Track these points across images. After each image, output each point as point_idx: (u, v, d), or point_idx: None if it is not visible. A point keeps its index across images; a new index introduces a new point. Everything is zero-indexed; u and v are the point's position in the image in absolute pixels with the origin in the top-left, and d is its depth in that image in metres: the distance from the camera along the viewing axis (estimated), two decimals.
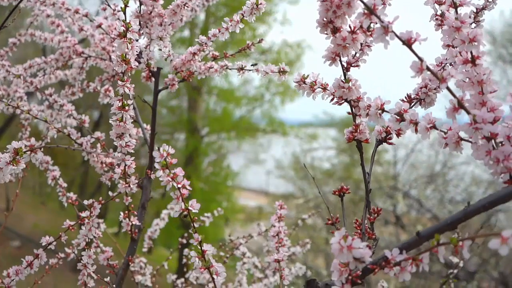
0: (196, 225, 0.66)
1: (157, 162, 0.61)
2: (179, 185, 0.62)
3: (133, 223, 0.97)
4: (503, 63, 9.28)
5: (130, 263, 1.00)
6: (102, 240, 1.15)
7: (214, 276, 0.65)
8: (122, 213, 0.97)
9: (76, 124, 1.26)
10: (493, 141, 0.53)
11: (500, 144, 0.52)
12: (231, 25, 0.91)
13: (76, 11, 1.10)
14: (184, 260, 1.38)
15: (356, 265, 0.51)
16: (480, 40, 0.53)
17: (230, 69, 0.98)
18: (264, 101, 11.69)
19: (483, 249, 6.41)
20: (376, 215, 0.64)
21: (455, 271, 1.11)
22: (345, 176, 8.71)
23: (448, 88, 0.51)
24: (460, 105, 0.52)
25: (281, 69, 0.85)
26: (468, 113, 0.52)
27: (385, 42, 0.51)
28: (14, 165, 0.68)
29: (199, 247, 0.65)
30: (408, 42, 0.51)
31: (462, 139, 0.55)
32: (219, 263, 1.35)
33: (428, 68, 0.51)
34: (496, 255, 6.39)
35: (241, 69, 0.97)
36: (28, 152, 0.67)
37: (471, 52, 0.54)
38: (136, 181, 0.91)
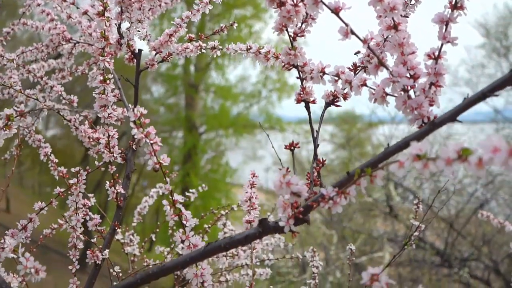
0: (168, 179, 0.76)
1: (132, 121, 0.71)
2: (152, 141, 0.72)
3: (118, 191, 1.07)
4: (497, 56, 9.37)
5: (116, 229, 1.09)
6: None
7: (184, 222, 0.75)
8: (108, 182, 1.06)
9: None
10: (412, 93, 0.63)
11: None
12: (201, 6, 1.01)
13: None
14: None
15: (294, 199, 0.61)
16: (399, 8, 0.62)
17: (204, 49, 1.07)
18: (261, 98, 11.79)
19: (475, 237, 6.53)
20: (321, 165, 0.73)
21: (416, 233, 1.20)
22: (343, 170, 8.82)
23: (369, 48, 0.61)
24: (380, 63, 0.61)
25: (248, 47, 0.94)
26: (387, 69, 0.61)
27: (316, 11, 0.60)
28: (7, 129, 0.77)
29: (170, 197, 0.75)
30: (336, 11, 0.60)
31: (387, 94, 0.64)
32: (203, 234, 1.44)
33: (352, 32, 0.60)
34: (488, 243, 6.51)
35: (213, 48, 1.06)
36: (18, 117, 0.77)
37: (393, 19, 0.63)
38: (120, 151, 1.00)
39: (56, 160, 1.20)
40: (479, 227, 6.57)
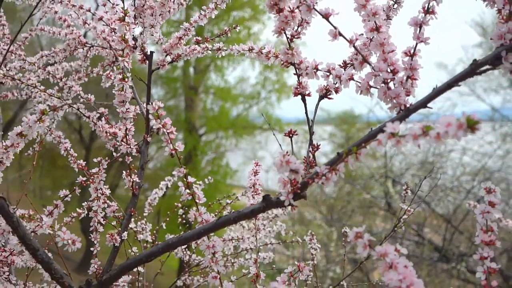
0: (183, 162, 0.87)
1: (151, 113, 0.82)
2: (168, 131, 0.83)
3: (134, 180, 1.18)
4: None
5: (132, 214, 1.20)
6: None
7: (197, 201, 0.86)
8: (124, 172, 1.17)
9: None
10: (392, 85, 0.74)
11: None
12: (208, 12, 1.12)
13: (81, 7, 1.30)
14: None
15: (293, 176, 0.72)
16: (381, 13, 0.74)
17: (210, 50, 1.18)
18: (260, 99, 11.91)
19: (473, 233, 6.63)
20: (316, 149, 0.84)
21: (405, 217, 1.31)
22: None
23: (355, 48, 0.72)
24: (364, 60, 0.73)
25: (250, 48, 1.05)
26: (370, 65, 0.72)
27: (309, 16, 0.71)
28: (40, 123, 0.88)
29: (185, 179, 0.86)
30: (326, 16, 0.71)
31: (370, 86, 0.75)
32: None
33: (340, 34, 0.71)
34: None
35: (218, 49, 1.17)
36: (51, 112, 0.87)
37: (375, 22, 0.74)
38: (136, 143, 1.12)
39: (75, 154, 1.31)
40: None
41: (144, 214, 1.62)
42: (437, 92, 0.67)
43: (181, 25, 1.19)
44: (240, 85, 12.24)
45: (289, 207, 1.30)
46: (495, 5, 0.69)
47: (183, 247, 1.55)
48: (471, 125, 0.48)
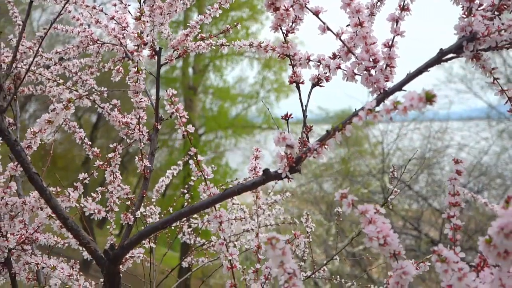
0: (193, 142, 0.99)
1: (165, 100, 0.94)
2: (181, 115, 0.95)
3: (146, 164, 1.30)
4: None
5: (144, 196, 1.32)
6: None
7: (206, 176, 0.98)
8: (136, 158, 1.29)
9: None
10: (373, 72, 0.86)
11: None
12: (212, 11, 1.24)
13: (94, 7, 1.42)
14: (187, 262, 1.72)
15: (288, 150, 0.84)
16: (363, 11, 0.85)
17: (214, 46, 1.30)
18: (259, 98, 12.03)
19: (468, 226, 6.78)
20: (309, 130, 0.96)
21: (392, 197, 1.43)
22: (341, 169, 9.06)
23: (341, 40, 0.84)
24: (349, 50, 0.85)
25: (251, 43, 1.17)
26: (354, 55, 0.84)
27: (302, 14, 0.83)
28: (67, 110, 1.00)
29: (195, 158, 0.98)
30: (316, 13, 0.83)
31: (355, 73, 0.87)
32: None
33: (328, 28, 0.83)
34: (481, 232, 6.76)
35: (222, 45, 1.29)
36: (77, 100, 0.99)
37: (358, 18, 0.86)
38: (147, 131, 1.23)
39: (89, 143, 1.43)
40: (472, 217, 6.82)
41: (152, 200, 1.74)
42: (410, 77, 0.79)
43: (180, 26, 1.31)
44: (239, 85, 12.36)
45: (287, 193, 1.44)
46: (460, 2, 0.81)
47: (189, 229, 1.67)
48: (429, 98, 0.60)
